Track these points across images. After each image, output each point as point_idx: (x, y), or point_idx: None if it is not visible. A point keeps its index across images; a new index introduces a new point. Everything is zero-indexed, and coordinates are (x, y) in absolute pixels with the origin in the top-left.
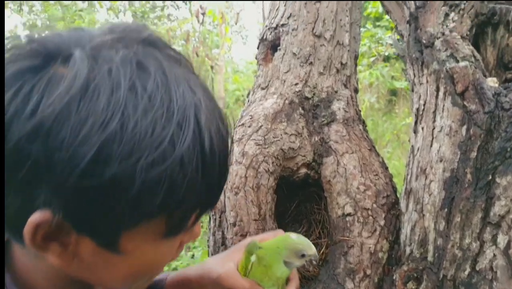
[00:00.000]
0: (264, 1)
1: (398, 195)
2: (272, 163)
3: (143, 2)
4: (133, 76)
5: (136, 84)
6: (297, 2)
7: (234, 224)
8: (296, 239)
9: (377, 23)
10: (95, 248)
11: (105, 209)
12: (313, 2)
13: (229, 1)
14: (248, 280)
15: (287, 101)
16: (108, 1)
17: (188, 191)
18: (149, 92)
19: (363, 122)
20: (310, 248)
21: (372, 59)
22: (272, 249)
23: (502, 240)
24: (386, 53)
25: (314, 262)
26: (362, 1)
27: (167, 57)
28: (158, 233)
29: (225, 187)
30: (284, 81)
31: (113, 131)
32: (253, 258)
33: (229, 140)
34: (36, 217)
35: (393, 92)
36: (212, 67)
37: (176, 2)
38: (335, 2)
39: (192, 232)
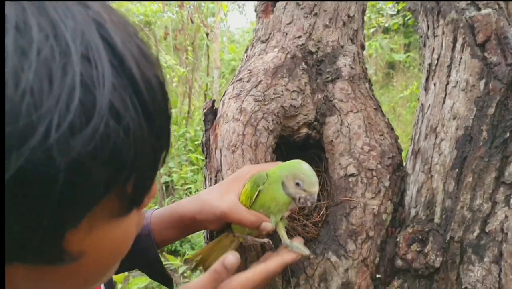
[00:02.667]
0: None
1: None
2: (272, 120)
3: None
4: None
5: None
6: None
7: None
8: (305, 167)
9: None
10: (30, 269)
11: (29, 219)
12: None
13: None
14: (254, 213)
15: (289, 56)
16: None
17: (137, 148)
18: (12, 24)
19: (369, 81)
20: (310, 182)
21: (371, 30)
22: (277, 173)
23: None
24: (386, 25)
25: (308, 203)
26: None
27: None
28: (112, 214)
29: (221, 145)
30: (286, 33)
31: None
32: (261, 187)
33: (158, 64)
34: None
35: (391, 65)
36: (207, 34)
37: None
38: None
39: (150, 193)
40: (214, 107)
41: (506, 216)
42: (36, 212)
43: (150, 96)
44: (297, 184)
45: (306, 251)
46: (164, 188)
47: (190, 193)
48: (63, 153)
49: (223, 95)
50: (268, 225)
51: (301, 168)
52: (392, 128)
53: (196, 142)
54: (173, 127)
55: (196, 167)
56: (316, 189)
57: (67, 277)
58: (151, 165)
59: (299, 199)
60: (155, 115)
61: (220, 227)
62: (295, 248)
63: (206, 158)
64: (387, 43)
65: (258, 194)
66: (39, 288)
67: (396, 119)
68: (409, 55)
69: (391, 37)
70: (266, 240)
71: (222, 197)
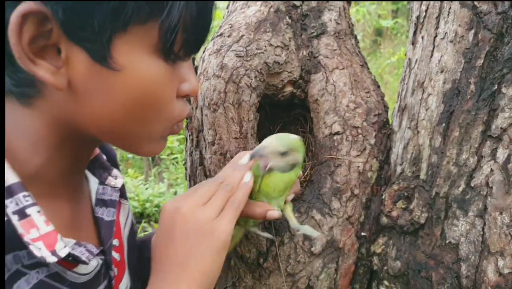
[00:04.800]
0: None
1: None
2: (255, 77)
3: None
4: None
5: None
6: None
7: (212, 143)
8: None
9: None
10: (88, 63)
11: (93, 7)
12: None
13: None
14: (258, 203)
15: (272, 9)
16: None
17: None
18: None
19: (355, 37)
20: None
21: None
22: None
23: (501, 154)
24: None
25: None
26: None
27: None
28: (150, 44)
29: (201, 104)
30: None
31: None
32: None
33: None
34: (23, 6)
35: (379, 32)
36: None
37: None
38: None
39: (190, 81)
40: (194, 65)
41: (491, 170)
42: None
43: None
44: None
45: (315, 234)
46: (150, 158)
47: (177, 162)
48: None
49: (203, 52)
50: (274, 213)
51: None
52: (379, 86)
53: None
54: None
55: (182, 136)
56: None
57: (108, 88)
58: (186, 17)
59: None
60: None
61: None
62: (304, 230)
63: (186, 118)
64: (375, 9)
65: (259, 188)
66: (91, 89)
67: (384, 86)
68: (397, 22)
69: (378, 3)
70: (267, 234)
71: None
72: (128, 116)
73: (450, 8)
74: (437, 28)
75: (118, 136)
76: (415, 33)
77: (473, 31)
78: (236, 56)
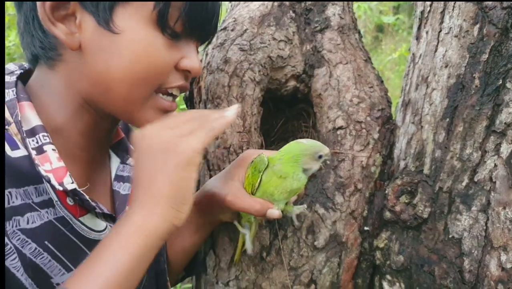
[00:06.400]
0: None
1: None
2: (259, 71)
3: None
4: None
5: None
6: None
7: (216, 137)
8: (309, 142)
9: None
10: (95, 27)
11: None
12: None
13: None
14: (258, 200)
15: (276, 3)
16: None
17: None
18: None
19: (359, 32)
20: (324, 148)
21: None
22: (288, 159)
23: (505, 149)
24: None
25: (328, 162)
26: None
27: None
28: (146, 15)
29: (205, 97)
30: None
31: None
32: (262, 173)
33: None
34: None
35: (380, 28)
36: None
37: None
38: None
39: (191, 59)
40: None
41: (495, 165)
42: None
43: None
44: (319, 157)
45: (302, 209)
46: None
47: None
48: None
49: (206, 45)
50: (274, 213)
51: (309, 144)
52: (382, 81)
53: (181, 107)
54: None
55: None
56: (327, 148)
57: (111, 48)
58: None
59: (325, 163)
60: None
61: (235, 216)
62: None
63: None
64: (376, 5)
65: (260, 180)
66: (98, 48)
67: (385, 82)
68: (398, 18)
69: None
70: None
71: (226, 184)
72: (126, 76)
73: (455, 3)
74: (441, 22)
75: (114, 98)
76: (419, 27)
77: (478, 26)
78: (240, 50)
